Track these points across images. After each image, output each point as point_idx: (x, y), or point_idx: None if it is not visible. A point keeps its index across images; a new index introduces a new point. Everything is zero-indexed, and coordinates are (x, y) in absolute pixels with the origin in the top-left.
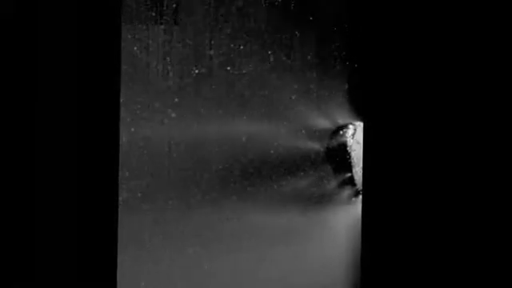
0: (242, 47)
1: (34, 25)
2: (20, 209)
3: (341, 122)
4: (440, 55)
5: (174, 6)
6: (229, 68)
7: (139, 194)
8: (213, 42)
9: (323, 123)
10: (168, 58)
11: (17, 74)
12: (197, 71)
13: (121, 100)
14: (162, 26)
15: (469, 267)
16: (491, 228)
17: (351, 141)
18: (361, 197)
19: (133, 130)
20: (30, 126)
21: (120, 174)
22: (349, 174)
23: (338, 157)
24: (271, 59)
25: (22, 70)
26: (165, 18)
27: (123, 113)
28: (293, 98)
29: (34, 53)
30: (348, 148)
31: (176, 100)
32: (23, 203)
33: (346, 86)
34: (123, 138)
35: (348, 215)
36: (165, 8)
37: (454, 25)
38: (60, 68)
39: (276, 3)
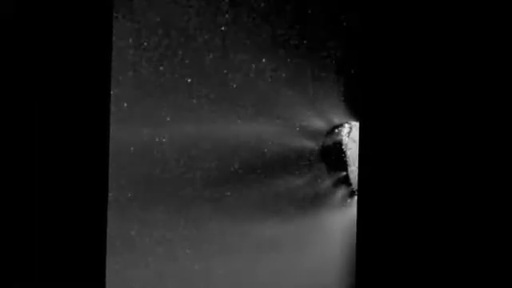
0: (236, 44)
1: (24, 21)
2: (12, 209)
3: (336, 120)
4: (436, 55)
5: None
6: (222, 65)
7: (129, 194)
8: (206, 38)
9: (318, 121)
10: (160, 55)
11: (6, 70)
12: (190, 69)
13: (111, 97)
14: (156, 22)
15: (464, 268)
16: (487, 229)
17: (347, 139)
18: (356, 197)
19: (123, 127)
20: (16, 125)
21: (109, 172)
22: (344, 174)
23: (333, 156)
24: (266, 56)
25: (10, 66)
26: (158, 13)
27: (113, 110)
28: (288, 95)
29: (22, 50)
30: (343, 147)
31: (168, 97)
32: (14, 203)
33: (343, 84)
34: (113, 136)
35: (343, 216)
36: (158, 4)
37: (449, 26)
38: (49, 64)
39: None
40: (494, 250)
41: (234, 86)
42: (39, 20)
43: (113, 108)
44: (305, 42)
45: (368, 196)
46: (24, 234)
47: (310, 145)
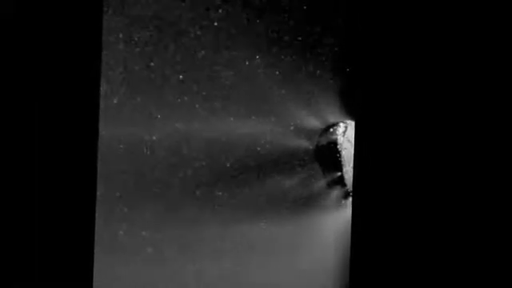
0: (229, 40)
1: (12, 16)
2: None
3: (331, 119)
4: (434, 54)
5: None
6: (215, 61)
7: (118, 194)
8: (199, 34)
9: (313, 120)
10: (151, 51)
11: None
12: (181, 64)
13: (101, 94)
14: (146, 17)
15: (459, 270)
16: (483, 230)
17: (342, 139)
18: (351, 198)
19: (113, 125)
20: (2, 121)
21: (98, 171)
22: (339, 174)
23: (328, 155)
24: (260, 53)
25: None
26: (149, 8)
27: (103, 107)
28: (282, 93)
29: (10, 45)
30: (338, 146)
31: (158, 94)
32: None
33: (338, 82)
34: (102, 134)
35: (337, 218)
36: None
37: (445, 25)
38: (37, 59)
39: None
40: (490, 253)
41: (227, 83)
42: (27, 14)
43: (102, 105)
44: (299, 38)
45: (363, 197)
46: (11, 233)
47: (305, 144)
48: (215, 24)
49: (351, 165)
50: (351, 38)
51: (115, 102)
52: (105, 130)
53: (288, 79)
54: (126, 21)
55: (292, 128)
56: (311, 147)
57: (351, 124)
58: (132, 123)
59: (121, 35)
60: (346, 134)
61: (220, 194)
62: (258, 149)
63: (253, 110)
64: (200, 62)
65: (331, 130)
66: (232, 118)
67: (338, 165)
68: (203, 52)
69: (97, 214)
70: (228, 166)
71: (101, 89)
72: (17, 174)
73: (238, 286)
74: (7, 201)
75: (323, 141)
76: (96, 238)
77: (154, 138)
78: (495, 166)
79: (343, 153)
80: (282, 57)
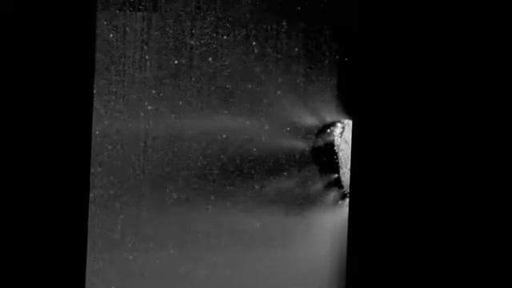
0: (224, 37)
1: (4, 13)
2: None
3: (328, 119)
4: (431, 55)
5: None
6: (210, 59)
7: (111, 191)
8: (194, 31)
9: (310, 120)
10: (146, 47)
11: None
12: (176, 62)
13: (94, 90)
14: (140, 13)
15: (456, 271)
16: (481, 231)
17: (339, 140)
18: (348, 200)
19: (106, 122)
20: None
21: (92, 169)
22: (335, 175)
23: (325, 156)
24: (256, 51)
25: None
26: (143, 3)
27: (96, 104)
28: (278, 92)
29: (5, 42)
30: (335, 147)
31: (153, 92)
32: None
33: (335, 82)
34: (96, 131)
35: (334, 219)
36: None
37: (443, 25)
38: (30, 56)
39: None
40: (488, 254)
41: (223, 82)
42: (21, 12)
43: (96, 102)
44: (296, 36)
45: (360, 198)
46: (2, 232)
47: (301, 145)
48: (211, 19)
49: (348, 166)
50: (349, 37)
51: (109, 99)
52: (99, 128)
53: (285, 79)
54: (119, 15)
55: (289, 129)
56: (308, 148)
57: (348, 125)
58: (127, 121)
59: (115, 30)
60: (343, 135)
61: (215, 194)
62: (254, 149)
63: (249, 110)
64: (196, 59)
65: (328, 130)
66: (228, 118)
67: (334, 166)
68: (200, 49)
69: (90, 213)
70: (223, 165)
71: (94, 86)
72: (9, 172)
73: (234, 286)
74: None
75: (320, 142)
76: (89, 236)
77: (149, 136)
78: (493, 166)
79: (340, 154)
80: (279, 56)
